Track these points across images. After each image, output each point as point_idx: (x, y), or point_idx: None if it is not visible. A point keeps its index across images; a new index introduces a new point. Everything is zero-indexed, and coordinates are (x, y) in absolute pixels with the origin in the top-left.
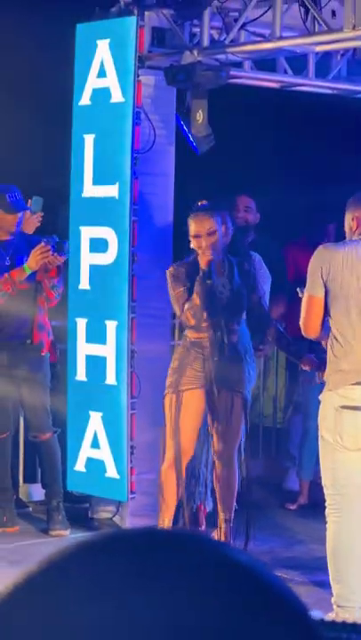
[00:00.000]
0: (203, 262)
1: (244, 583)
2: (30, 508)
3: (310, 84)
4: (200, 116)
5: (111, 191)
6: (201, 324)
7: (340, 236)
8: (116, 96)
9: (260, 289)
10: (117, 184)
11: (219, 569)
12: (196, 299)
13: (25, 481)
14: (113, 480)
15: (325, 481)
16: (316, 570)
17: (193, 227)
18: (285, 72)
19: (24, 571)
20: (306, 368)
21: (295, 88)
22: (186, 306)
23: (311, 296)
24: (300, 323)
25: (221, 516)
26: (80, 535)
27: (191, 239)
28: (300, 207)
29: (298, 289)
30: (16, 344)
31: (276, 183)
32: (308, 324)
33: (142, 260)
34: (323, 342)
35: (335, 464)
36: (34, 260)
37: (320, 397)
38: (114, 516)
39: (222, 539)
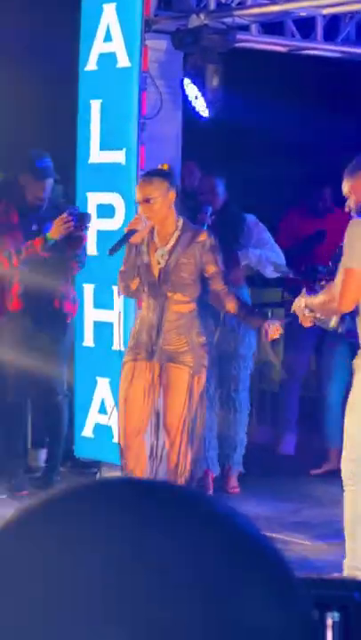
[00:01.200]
0: (140, 235)
1: (226, 533)
2: (39, 473)
3: (319, 48)
4: (215, 80)
5: (118, 157)
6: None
7: (337, 201)
8: (123, 61)
9: (218, 263)
10: (124, 150)
11: (201, 519)
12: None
13: (33, 446)
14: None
15: (352, 448)
16: (327, 534)
17: (136, 193)
18: (293, 36)
19: (9, 517)
20: (269, 329)
21: (303, 52)
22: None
23: (351, 269)
24: (336, 297)
25: None
26: None
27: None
28: (301, 173)
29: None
30: (40, 310)
31: (281, 147)
32: (347, 298)
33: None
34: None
35: None
36: (56, 230)
37: (354, 365)
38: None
39: None
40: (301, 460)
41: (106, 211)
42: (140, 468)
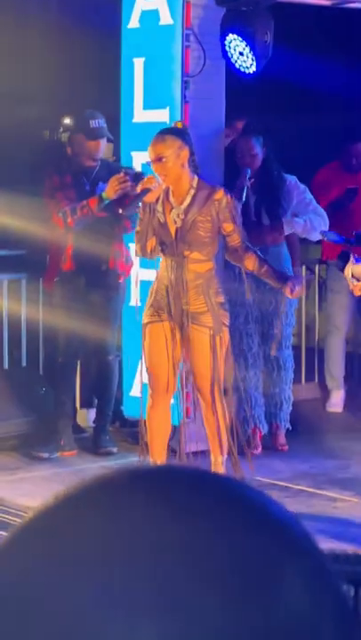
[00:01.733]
0: (154, 194)
1: (259, 519)
2: (87, 433)
3: None
4: (267, 36)
5: (162, 116)
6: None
7: None
8: (165, 18)
9: (236, 220)
10: (168, 108)
11: (230, 508)
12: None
13: (82, 406)
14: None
15: None
16: None
17: (148, 152)
18: None
19: (43, 502)
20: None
21: (347, 5)
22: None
23: None
24: None
25: (212, 458)
26: (135, 458)
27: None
28: (344, 128)
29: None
30: (93, 270)
31: (325, 102)
32: None
33: None
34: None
35: None
36: (112, 190)
37: None
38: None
39: None
40: (349, 416)
41: (150, 170)
42: (165, 428)
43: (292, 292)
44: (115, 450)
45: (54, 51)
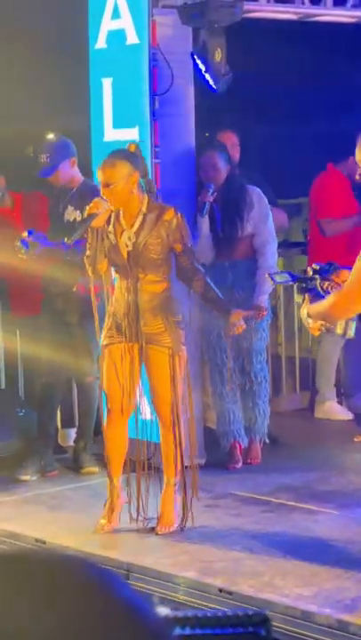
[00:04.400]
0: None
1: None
2: (69, 454)
3: (329, 14)
4: (218, 55)
5: (132, 134)
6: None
7: None
8: (132, 38)
9: (186, 240)
10: (137, 127)
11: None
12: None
13: (63, 426)
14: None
15: None
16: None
17: (98, 175)
18: (303, 3)
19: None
20: (235, 321)
21: (314, 19)
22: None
23: None
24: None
25: (165, 478)
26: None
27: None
28: (320, 138)
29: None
30: (65, 294)
31: (294, 117)
32: None
33: (166, 201)
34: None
35: None
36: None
37: None
38: (150, 458)
39: (164, 503)
40: (333, 426)
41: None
42: (121, 446)
43: (230, 329)
44: (96, 469)
45: (24, 73)
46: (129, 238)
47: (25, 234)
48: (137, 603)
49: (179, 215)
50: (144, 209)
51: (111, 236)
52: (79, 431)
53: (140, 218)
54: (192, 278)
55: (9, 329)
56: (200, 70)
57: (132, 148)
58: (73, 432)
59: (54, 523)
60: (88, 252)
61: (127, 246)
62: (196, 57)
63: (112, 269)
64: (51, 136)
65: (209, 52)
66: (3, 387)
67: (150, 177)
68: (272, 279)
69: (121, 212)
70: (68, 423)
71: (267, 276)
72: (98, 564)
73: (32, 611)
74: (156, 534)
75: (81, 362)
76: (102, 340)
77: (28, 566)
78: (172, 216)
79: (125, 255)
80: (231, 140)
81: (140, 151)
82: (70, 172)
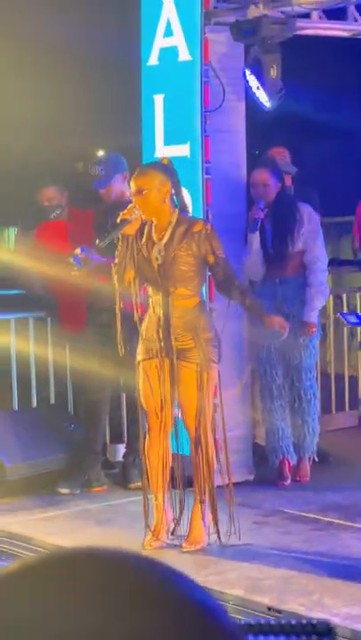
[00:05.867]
0: (133, 226)
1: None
2: (117, 469)
3: None
4: (273, 71)
5: (183, 150)
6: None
7: None
8: (184, 54)
9: (219, 251)
10: (189, 143)
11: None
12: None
13: (112, 441)
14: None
15: None
16: None
17: (130, 184)
18: (355, 20)
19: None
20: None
21: None
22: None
23: None
24: None
25: (196, 496)
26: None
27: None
28: None
29: None
30: (112, 309)
31: (343, 134)
32: None
33: (217, 217)
34: None
35: None
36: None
37: None
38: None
39: (194, 521)
40: None
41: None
42: (163, 464)
43: (273, 325)
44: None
45: (79, 91)
46: (159, 252)
47: (78, 250)
48: (210, 606)
49: (208, 226)
50: (173, 221)
51: (143, 250)
52: (127, 445)
53: (170, 230)
54: (229, 288)
55: (59, 344)
56: (251, 87)
57: (165, 161)
58: (122, 447)
59: (102, 538)
60: (117, 260)
61: (157, 260)
62: (248, 73)
63: (144, 285)
64: (102, 152)
65: (264, 69)
66: (52, 401)
67: (202, 192)
68: (346, 320)
69: (153, 225)
70: (116, 439)
71: (338, 315)
72: (167, 564)
73: (88, 615)
74: (182, 551)
75: (130, 377)
76: (137, 355)
77: (83, 565)
78: (200, 227)
79: (156, 269)
80: (283, 157)
81: (172, 164)
82: (122, 188)
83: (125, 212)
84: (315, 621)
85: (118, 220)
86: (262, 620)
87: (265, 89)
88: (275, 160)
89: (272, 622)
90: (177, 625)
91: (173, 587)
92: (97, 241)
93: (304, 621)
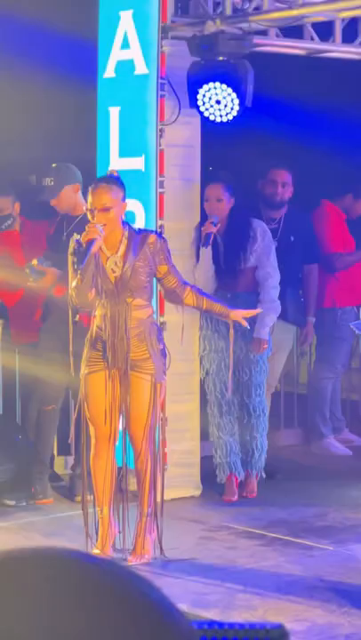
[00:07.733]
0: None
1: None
2: (64, 482)
3: (338, 50)
4: (251, 86)
5: (137, 163)
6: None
7: None
8: (141, 68)
9: (170, 260)
10: (143, 156)
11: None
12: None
13: (59, 453)
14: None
15: None
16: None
17: (89, 199)
18: (312, 39)
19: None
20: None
21: (322, 55)
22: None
23: None
24: None
25: (139, 508)
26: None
27: (87, 212)
28: (327, 174)
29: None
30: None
31: (303, 151)
32: None
33: (169, 231)
34: None
35: None
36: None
37: None
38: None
39: (139, 534)
40: (331, 463)
41: (126, 217)
42: (110, 476)
43: (238, 318)
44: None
45: (31, 102)
46: (115, 264)
47: (35, 261)
48: (166, 606)
49: (161, 239)
50: (126, 234)
51: (99, 263)
52: (75, 459)
53: (125, 243)
54: (181, 295)
55: (7, 355)
56: (196, 102)
57: (115, 174)
58: (70, 459)
59: None
60: (79, 282)
61: (114, 272)
62: (215, 87)
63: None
64: (55, 165)
65: (244, 81)
66: (0, 412)
67: (155, 205)
68: (356, 328)
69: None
70: (64, 450)
71: (351, 326)
72: (124, 565)
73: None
74: (128, 564)
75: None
76: (83, 368)
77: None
78: (154, 239)
79: (113, 280)
80: (283, 179)
81: (120, 177)
82: (74, 198)
83: (90, 231)
84: (268, 626)
85: (83, 241)
86: (217, 623)
87: (241, 101)
88: (229, 175)
89: (226, 626)
90: (132, 625)
91: (129, 586)
92: (75, 266)
93: (258, 625)
